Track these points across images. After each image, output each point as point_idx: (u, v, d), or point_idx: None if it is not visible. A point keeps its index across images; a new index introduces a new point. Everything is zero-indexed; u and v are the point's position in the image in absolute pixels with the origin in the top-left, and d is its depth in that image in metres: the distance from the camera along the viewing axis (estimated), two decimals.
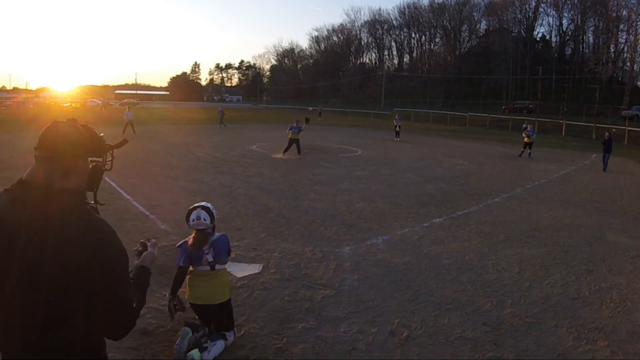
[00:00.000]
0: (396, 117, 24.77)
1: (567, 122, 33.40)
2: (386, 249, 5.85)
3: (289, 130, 14.88)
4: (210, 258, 3.43)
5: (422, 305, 4.27)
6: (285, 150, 14.83)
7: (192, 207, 3.53)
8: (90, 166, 1.46)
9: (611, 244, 6.51)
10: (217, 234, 3.54)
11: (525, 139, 17.60)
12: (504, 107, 51.51)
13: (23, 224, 1.25)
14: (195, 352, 3.21)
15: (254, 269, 4.91)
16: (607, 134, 15.17)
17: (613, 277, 5.20)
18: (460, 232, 6.80)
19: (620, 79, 56.60)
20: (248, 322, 3.79)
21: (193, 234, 3.48)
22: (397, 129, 23.07)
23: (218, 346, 3.35)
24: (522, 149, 17.60)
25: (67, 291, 1.26)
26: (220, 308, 3.47)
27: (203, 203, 3.59)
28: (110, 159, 1.53)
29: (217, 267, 3.48)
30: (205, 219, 3.44)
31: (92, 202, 1.49)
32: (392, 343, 3.58)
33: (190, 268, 3.52)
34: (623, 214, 8.52)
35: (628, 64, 55.49)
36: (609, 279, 5.14)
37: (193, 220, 3.44)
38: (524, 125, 18.09)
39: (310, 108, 50.84)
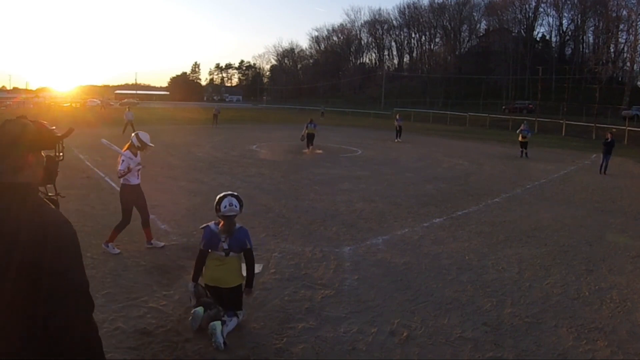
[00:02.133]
0: (397, 117, 24.52)
1: (567, 122, 33.36)
2: (386, 249, 5.85)
3: (307, 126, 16.73)
4: (225, 246, 3.66)
5: (422, 305, 4.27)
6: (309, 145, 16.59)
7: (222, 195, 3.77)
8: (45, 159, 1.46)
9: (611, 244, 6.51)
10: (237, 225, 3.76)
11: (520, 139, 17.54)
12: (504, 107, 51.50)
13: None
14: (217, 323, 3.44)
15: None
16: (609, 134, 14.37)
17: (613, 277, 5.19)
18: (460, 232, 6.80)
19: (620, 79, 56.60)
20: (248, 322, 3.78)
21: (222, 221, 3.71)
22: (398, 128, 22.88)
23: (233, 322, 3.64)
24: (521, 149, 17.56)
25: (20, 279, 1.25)
26: (230, 292, 3.69)
27: (230, 192, 3.84)
28: (61, 150, 1.53)
29: (231, 254, 3.69)
30: (236, 206, 3.70)
31: (53, 194, 1.47)
32: (392, 343, 3.58)
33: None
34: (623, 214, 8.51)
35: (628, 64, 55.52)
36: (609, 279, 5.14)
37: (225, 207, 3.67)
38: (522, 127, 18.01)
39: (323, 108, 52.26)
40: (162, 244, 5.68)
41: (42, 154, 1.45)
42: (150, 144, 5.60)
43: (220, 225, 3.70)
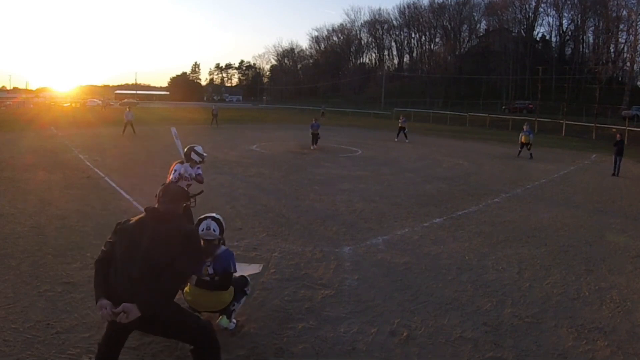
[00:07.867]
0: (401, 118, 24.12)
1: (567, 122, 33.35)
2: (386, 249, 5.85)
3: (311, 127, 17.88)
4: (210, 270, 3.45)
5: (422, 305, 4.27)
6: (313, 144, 17.69)
7: (202, 216, 3.54)
8: (184, 205, 2.74)
9: (611, 244, 6.51)
10: (222, 247, 3.56)
11: (523, 139, 17.51)
12: (504, 107, 51.51)
13: (153, 227, 2.60)
14: (222, 318, 3.48)
15: (254, 269, 4.90)
16: (618, 135, 14.43)
17: (613, 277, 5.19)
18: (460, 232, 6.80)
19: (620, 79, 56.54)
20: (248, 322, 3.78)
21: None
22: (404, 130, 22.50)
23: (241, 301, 3.70)
24: (520, 149, 17.55)
25: (171, 257, 2.48)
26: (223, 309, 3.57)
27: (213, 214, 3.61)
28: (193, 200, 3.38)
29: (217, 279, 3.48)
30: (214, 230, 3.49)
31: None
32: (392, 343, 3.58)
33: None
34: (623, 214, 8.51)
35: (628, 64, 55.50)
36: (609, 279, 5.14)
37: (202, 230, 3.46)
38: (525, 128, 17.94)
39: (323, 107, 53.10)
40: None
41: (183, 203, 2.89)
42: (204, 154, 5.47)
43: None
